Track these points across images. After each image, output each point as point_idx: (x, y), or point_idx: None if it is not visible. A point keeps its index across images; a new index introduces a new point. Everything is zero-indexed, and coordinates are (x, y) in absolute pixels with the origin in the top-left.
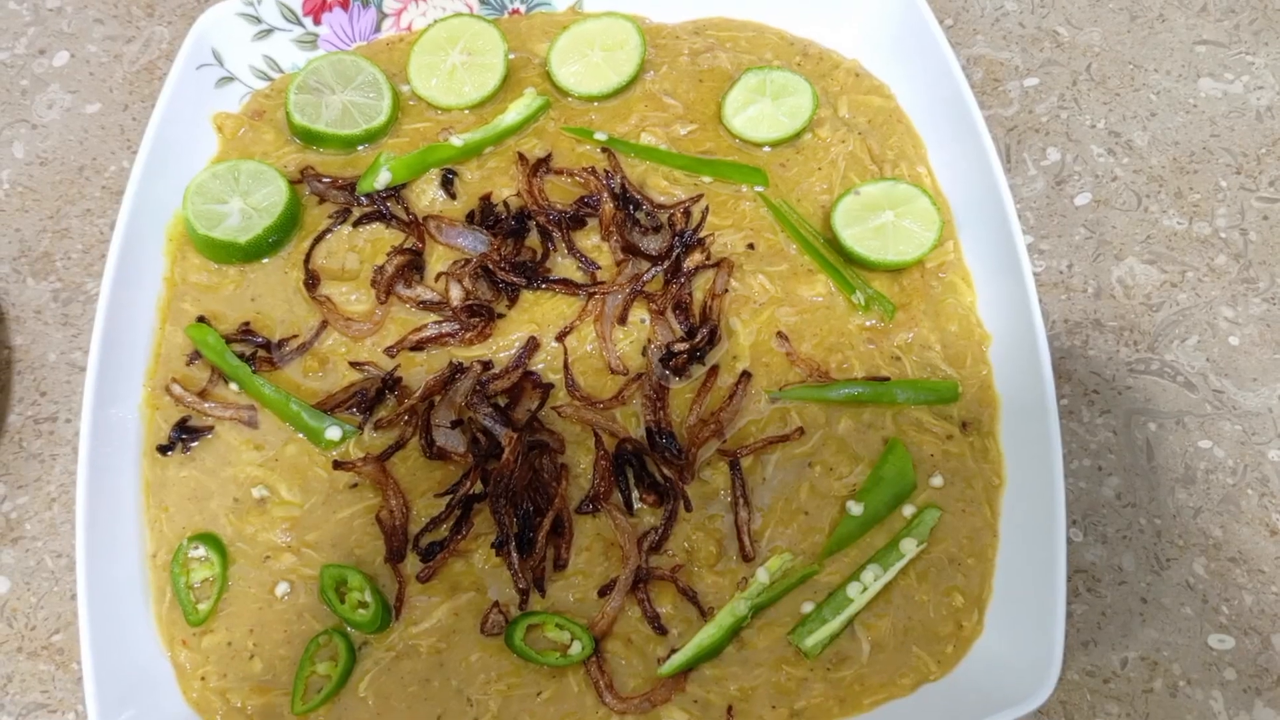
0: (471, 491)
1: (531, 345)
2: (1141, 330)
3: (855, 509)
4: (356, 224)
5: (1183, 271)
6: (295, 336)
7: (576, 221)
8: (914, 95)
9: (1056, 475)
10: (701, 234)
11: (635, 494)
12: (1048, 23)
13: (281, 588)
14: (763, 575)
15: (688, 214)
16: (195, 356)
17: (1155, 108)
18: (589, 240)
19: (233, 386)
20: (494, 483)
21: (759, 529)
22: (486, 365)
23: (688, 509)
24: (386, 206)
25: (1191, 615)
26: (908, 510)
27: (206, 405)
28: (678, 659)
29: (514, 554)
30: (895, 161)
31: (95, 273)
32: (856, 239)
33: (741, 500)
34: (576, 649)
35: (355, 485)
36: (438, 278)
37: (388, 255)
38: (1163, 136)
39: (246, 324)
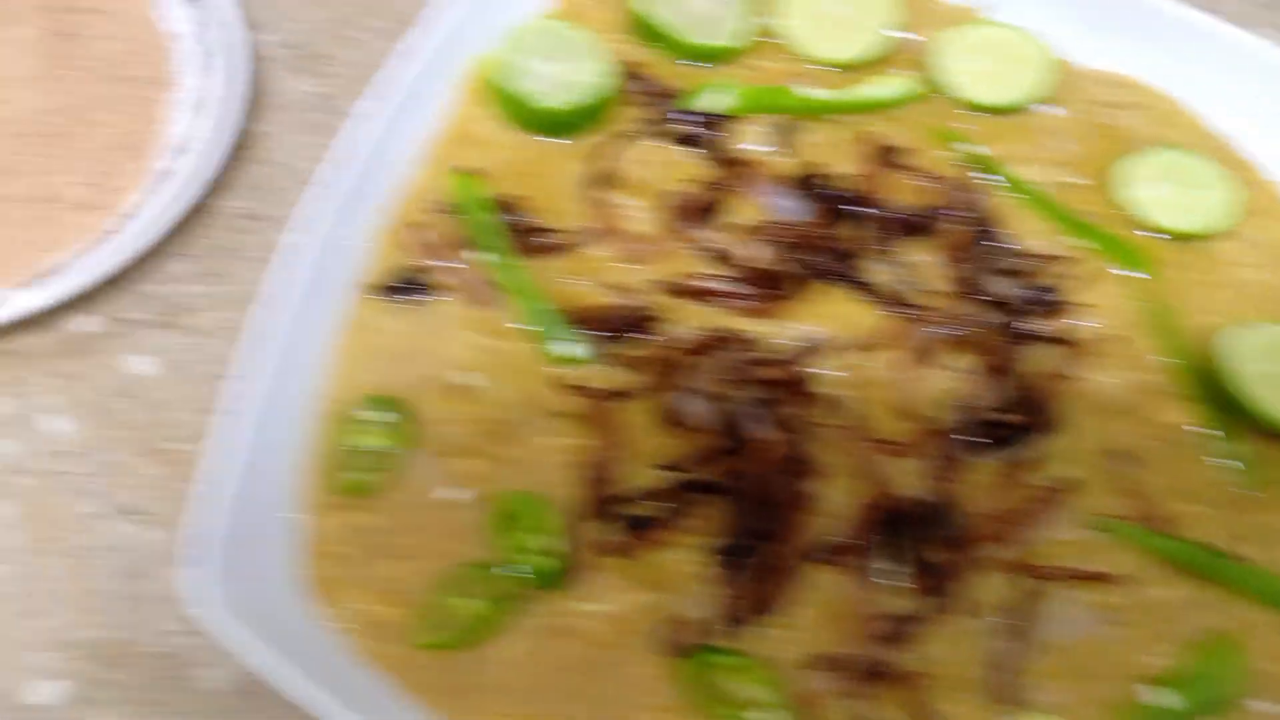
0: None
1: (818, 344)
2: None
3: (1158, 697)
4: (679, 141)
5: None
6: (560, 231)
7: (911, 228)
8: None
9: None
10: (1062, 299)
11: (888, 566)
12: None
13: (445, 492)
14: None
15: (1059, 272)
16: (444, 210)
17: None
18: (913, 257)
19: (473, 256)
20: (742, 479)
21: (1027, 671)
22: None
23: (943, 610)
24: (714, 133)
25: None
26: None
27: (448, 264)
28: None
29: (737, 570)
30: None
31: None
32: (1265, 379)
33: (1016, 627)
34: None
35: (559, 415)
36: (723, 229)
37: (697, 185)
38: None
39: (516, 197)
